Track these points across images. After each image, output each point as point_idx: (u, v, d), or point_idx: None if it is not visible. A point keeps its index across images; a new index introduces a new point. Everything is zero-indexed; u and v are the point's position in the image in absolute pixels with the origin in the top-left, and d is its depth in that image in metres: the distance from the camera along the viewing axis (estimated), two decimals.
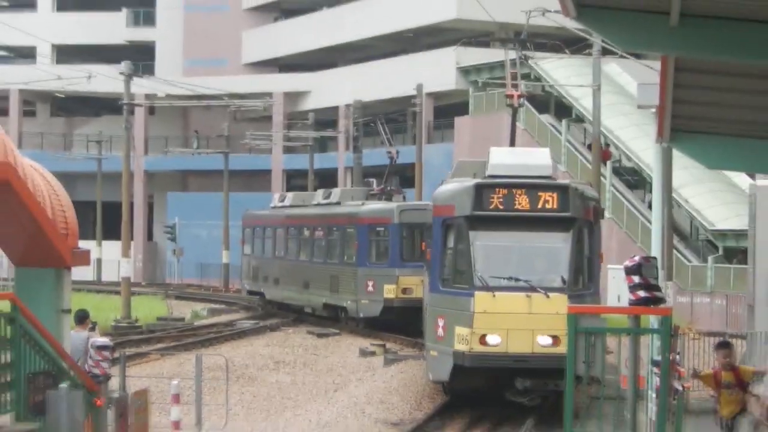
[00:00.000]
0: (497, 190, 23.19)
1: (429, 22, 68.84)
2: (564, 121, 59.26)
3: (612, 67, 53.08)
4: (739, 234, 43.84)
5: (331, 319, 42.76)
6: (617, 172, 55.09)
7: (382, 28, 74.80)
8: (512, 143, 30.83)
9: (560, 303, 21.23)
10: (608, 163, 51.70)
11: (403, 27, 70.85)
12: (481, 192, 23.26)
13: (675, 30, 15.58)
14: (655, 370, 15.19)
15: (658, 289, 18.78)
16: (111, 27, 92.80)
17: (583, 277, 23.75)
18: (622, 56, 43.89)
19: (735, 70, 18.34)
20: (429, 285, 25.96)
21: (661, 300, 18.00)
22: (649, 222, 35.53)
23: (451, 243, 23.78)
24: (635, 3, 15.39)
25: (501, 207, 23.12)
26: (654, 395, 14.93)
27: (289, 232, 50.97)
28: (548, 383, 22.24)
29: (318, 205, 48.27)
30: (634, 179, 55.94)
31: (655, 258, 20.72)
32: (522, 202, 22.99)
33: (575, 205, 23.25)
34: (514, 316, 22.21)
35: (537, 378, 22.31)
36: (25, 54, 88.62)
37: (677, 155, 22.01)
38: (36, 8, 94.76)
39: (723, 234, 50.82)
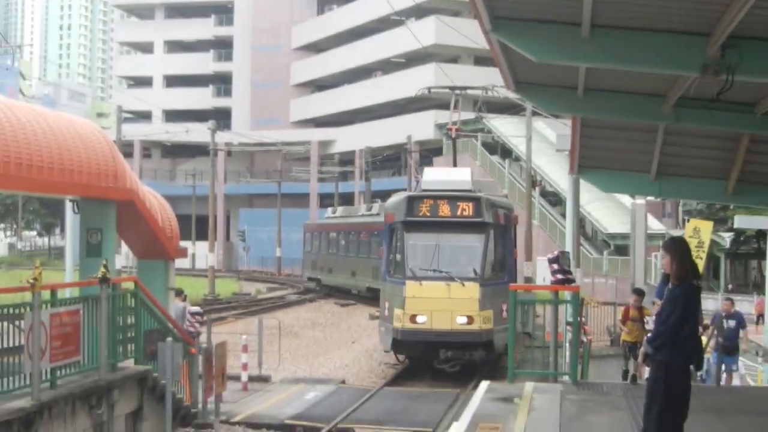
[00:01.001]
0: (425, 200, 21.85)
1: (414, 93, 69.01)
2: (507, 161, 59.45)
3: (539, 123, 52.97)
4: (624, 236, 43.71)
5: (374, 299, 41.95)
6: (543, 194, 55.13)
7: (383, 98, 74.79)
8: (454, 164, 30.27)
9: (473, 290, 20.72)
10: (537, 189, 51.78)
11: (397, 97, 70.59)
12: (412, 202, 22.01)
13: (581, 98, 15.53)
14: (568, 328, 15.09)
15: (569, 273, 18.71)
16: (202, 97, 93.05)
17: (495, 269, 22.09)
18: (546, 116, 43.77)
19: (620, 126, 18.31)
20: (381, 276, 24.31)
21: (572, 281, 17.93)
22: (564, 227, 35.44)
23: (393, 243, 22.41)
24: (554, 81, 15.34)
25: (428, 214, 21.77)
26: (568, 345, 14.83)
27: (341, 235, 50.01)
28: (465, 354, 21.25)
29: (362, 215, 47.40)
30: (554, 199, 55.88)
31: (568, 252, 20.63)
32: (444, 210, 21.67)
33: (487, 212, 21.76)
34: (436, 300, 20.80)
35: (456, 350, 21.16)
36: (144, 116, 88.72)
37: (583, 183, 21.82)
38: (152, 85, 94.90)
39: (613, 236, 50.95)
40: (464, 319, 20.62)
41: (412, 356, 23.17)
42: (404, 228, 21.86)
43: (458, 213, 21.53)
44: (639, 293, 14.28)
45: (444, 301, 20.75)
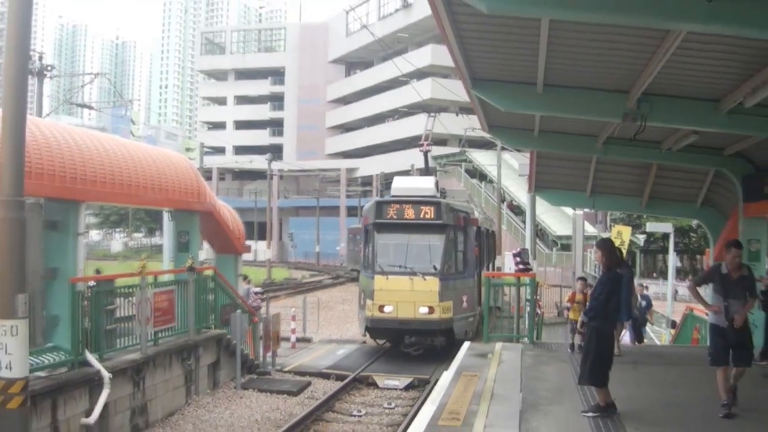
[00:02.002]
0: (392, 205, 19.19)
1: (416, 133, 68.97)
2: (483, 183, 59.26)
3: (507, 155, 52.61)
4: (568, 237, 43.60)
5: None
6: (510, 207, 54.90)
7: (394, 137, 74.51)
8: (427, 174, 26.16)
9: (433, 284, 18.12)
10: (505, 203, 51.64)
11: (404, 136, 70.40)
12: (380, 206, 19.40)
13: (537, 138, 15.52)
14: (527, 303, 15.07)
15: (528, 264, 18.74)
16: (261, 137, 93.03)
17: (455, 265, 19.24)
18: (511, 150, 43.74)
19: (564, 158, 18.32)
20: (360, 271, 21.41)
21: (530, 269, 17.97)
22: (525, 231, 35.37)
23: (368, 242, 19.42)
24: (517, 125, 15.35)
25: (394, 216, 19.04)
26: (527, 316, 14.82)
27: None
28: (427, 340, 18.72)
29: None
30: (518, 211, 55.61)
31: (527, 249, 20.64)
32: (409, 213, 18.95)
33: (447, 215, 18.94)
34: (401, 292, 18.20)
35: (419, 336, 18.61)
36: (220, 150, 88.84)
37: (538, 199, 21.78)
38: (225, 128, 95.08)
39: (560, 237, 50.68)
40: (425, 309, 18.11)
41: (385, 340, 20.53)
42: (374, 229, 19.21)
43: (421, 215, 18.88)
44: (584, 280, 13.97)
45: (408, 293, 18.16)
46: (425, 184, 20.19)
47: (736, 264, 8.40)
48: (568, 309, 13.77)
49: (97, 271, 17.09)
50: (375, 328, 19.03)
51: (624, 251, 18.01)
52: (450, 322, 18.38)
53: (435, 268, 18.38)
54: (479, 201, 46.11)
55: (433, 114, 28.72)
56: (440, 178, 33.00)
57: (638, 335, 17.26)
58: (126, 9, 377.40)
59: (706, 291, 9.45)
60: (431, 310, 18.07)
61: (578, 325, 11.08)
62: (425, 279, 18.12)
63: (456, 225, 19.18)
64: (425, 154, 26.12)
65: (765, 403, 9.45)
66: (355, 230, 57.21)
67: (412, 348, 18.73)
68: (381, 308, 18.25)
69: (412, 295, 18.12)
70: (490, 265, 26.27)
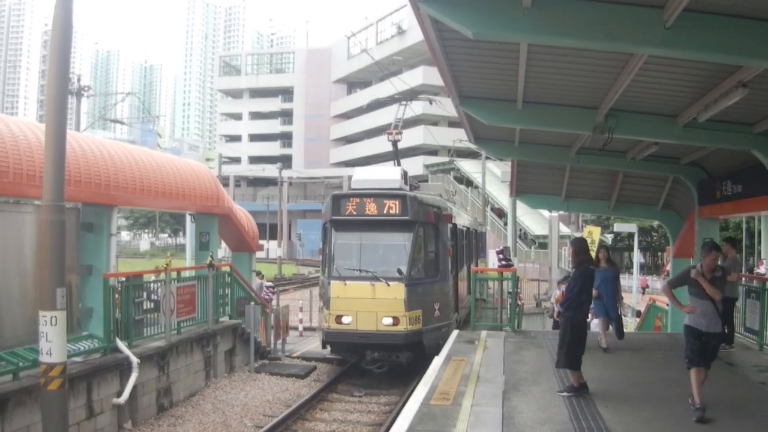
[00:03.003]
0: (350, 199, 14.74)
1: (411, 144, 68.81)
2: (470, 189, 59.24)
3: (491, 164, 52.63)
4: (544, 236, 43.64)
5: None
6: (493, 210, 54.88)
7: (391, 148, 74.41)
8: (397, 164, 21.29)
9: (399, 290, 13.95)
10: (488, 206, 51.62)
11: (401, 147, 70.34)
12: (338, 201, 14.87)
13: (517, 148, 15.52)
14: (510, 296, 15.07)
15: (510, 260, 18.72)
16: (273, 148, 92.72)
17: (425, 269, 14.79)
18: (494, 159, 43.76)
19: (542, 166, 18.32)
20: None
21: (512, 265, 17.96)
22: (506, 231, 35.40)
23: (326, 242, 14.89)
24: (499, 137, 15.36)
25: (354, 213, 14.63)
26: (509, 307, 14.81)
27: None
28: (391, 355, 14.32)
29: None
30: (501, 213, 55.70)
31: (509, 247, 20.65)
32: (371, 208, 14.57)
33: (414, 210, 14.51)
34: (361, 300, 13.98)
35: (383, 351, 14.30)
36: (236, 160, 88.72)
37: (518, 202, 21.79)
38: (241, 141, 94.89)
39: (537, 236, 50.76)
40: (389, 320, 13.91)
41: (346, 353, 15.90)
42: (332, 227, 14.83)
43: (385, 211, 14.55)
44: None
45: (369, 301, 13.99)
46: (390, 175, 15.82)
47: (713, 266, 7.79)
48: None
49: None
50: (333, 342, 14.65)
51: (594, 250, 17.96)
52: (418, 335, 14.18)
53: (400, 272, 14.12)
54: (465, 203, 45.85)
55: (404, 102, 23.72)
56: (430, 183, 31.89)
57: (620, 331, 16.86)
58: (153, 36, 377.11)
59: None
60: (396, 320, 13.95)
61: (555, 316, 11.06)
62: (389, 285, 13.94)
63: (426, 221, 14.89)
64: (394, 143, 21.46)
65: (728, 392, 9.46)
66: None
67: (375, 365, 14.54)
68: (338, 319, 14.15)
69: (374, 303, 14.01)
70: (475, 265, 23.72)
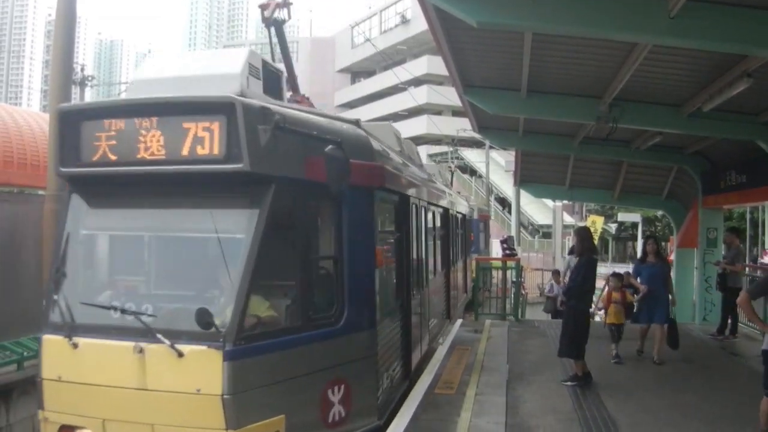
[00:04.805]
0: (101, 123, 5.49)
1: (414, 134, 68.76)
2: (473, 178, 59.20)
3: (494, 153, 52.52)
4: (548, 225, 43.74)
5: None
6: (497, 199, 54.84)
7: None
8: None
9: (209, 369, 4.97)
10: (492, 195, 51.60)
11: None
12: (71, 129, 5.49)
13: (521, 137, 15.51)
14: (514, 285, 15.09)
15: (514, 249, 18.75)
16: None
17: (302, 301, 5.53)
18: (498, 149, 43.76)
19: (546, 155, 18.30)
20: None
21: (516, 254, 17.98)
22: (510, 221, 35.44)
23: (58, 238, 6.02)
24: (503, 126, 15.35)
25: (111, 158, 5.47)
26: (513, 296, 14.83)
27: None
28: None
29: None
30: (504, 202, 55.70)
31: (512, 236, 20.68)
32: (152, 145, 5.35)
33: (265, 146, 5.17)
34: (115, 394, 5.20)
35: None
36: None
37: (522, 192, 21.73)
38: None
39: (541, 226, 50.76)
40: None
41: None
42: (68, 203, 6.12)
43: (184, 151, 5.32)
44: (619, 277, 10.42)
45: (133, 397, 5.09)
46: (218, 60, 6.52)
47: None
48: (602, 310, 10.95)
49: None
50: None
51: (597, 239, 17.95)
52: None
53: (214, 316, 5.02)
54: (470, 194, 45.82)
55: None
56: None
57: (674, 339, 13.85)
58: (157, 26, 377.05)
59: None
60: None
61: (558, 304, 11.05)
62: (182, 353, 5.07)
63: (304, 179, 5.66)
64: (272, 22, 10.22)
65: (719, 371, 9.48)
66: None
67: None
68: None
69: (145, 404, 5.14)
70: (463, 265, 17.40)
